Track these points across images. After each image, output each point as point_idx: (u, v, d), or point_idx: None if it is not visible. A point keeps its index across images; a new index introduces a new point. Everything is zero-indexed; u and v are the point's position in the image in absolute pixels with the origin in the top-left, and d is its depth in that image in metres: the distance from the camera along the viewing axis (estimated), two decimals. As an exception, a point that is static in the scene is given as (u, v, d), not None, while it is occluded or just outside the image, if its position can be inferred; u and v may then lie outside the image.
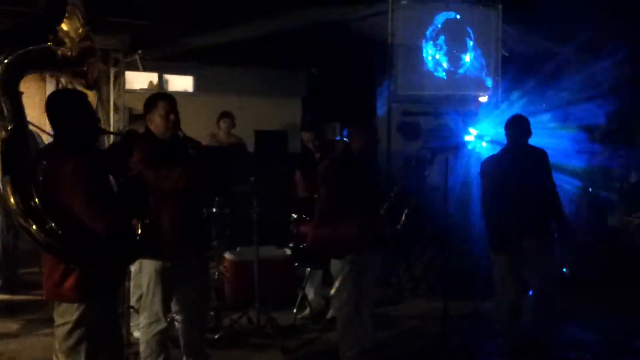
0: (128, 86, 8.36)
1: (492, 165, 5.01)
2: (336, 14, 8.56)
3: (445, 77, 8.03)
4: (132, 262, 3.91)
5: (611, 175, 8.18)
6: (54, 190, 3.08)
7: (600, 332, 5.62)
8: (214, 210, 5.73)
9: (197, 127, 6.88)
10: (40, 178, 3.11)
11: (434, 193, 7.04)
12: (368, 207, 4.61)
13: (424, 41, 7.95)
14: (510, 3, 8.09)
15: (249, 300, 5.72)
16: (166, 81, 10.43)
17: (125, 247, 3.30)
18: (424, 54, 7.96)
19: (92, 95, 3.75)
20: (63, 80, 4.04)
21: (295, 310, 5.95)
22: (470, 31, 8.01)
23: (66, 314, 3.18)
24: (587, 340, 5.43)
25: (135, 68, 7.28)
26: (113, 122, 7.02)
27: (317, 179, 4.85)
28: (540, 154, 5.02)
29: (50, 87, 8.28)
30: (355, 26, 8.89)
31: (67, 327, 3.18)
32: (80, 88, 3.69)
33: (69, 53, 3.47)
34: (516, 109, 6.97)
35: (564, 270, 6.97)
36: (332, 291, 4.71)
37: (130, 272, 4.91)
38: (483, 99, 8.06)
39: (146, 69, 7.66)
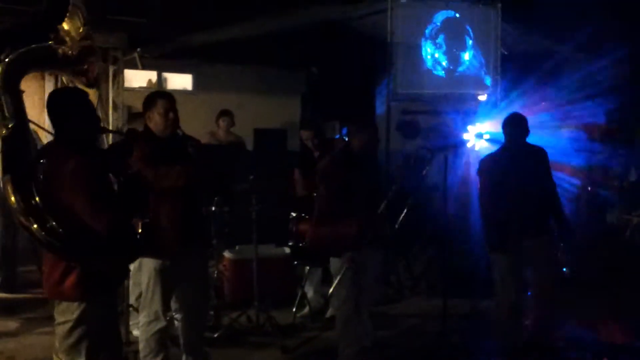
0: (127, 84, 8.36)
1: (490, 164, 5.00)
2: (336, 12, 8.55)
3: (444, 76, 8.02)
4: (132, 260, 3.91)
5: (611, 174, 8.18)
6: (54, 188, 3.08)
7: (601, 332, 5.62)
8: (213, 208, 5.72)
9: (196, 126, 6.87)
10: (41, 177, 3.11)
11: (433, 192, 7.03)
12: (368, 206, 4.60)
13: (423, 40, 7.94)
14: (510, 2, 8.08)
15: (248, 299, 5.72)
16: (165, 79, 10.41)
17: (125, 246, 3.31)
18: (423, 53, 7.95)
19: (92, 94, 3.74)
20: (64, 79, 4.04)
21: (294, 309, 5.96)
22: (470, 30, 8.00)
23: (67, 313, 3.19)
24: (587, 340, 5.42)
25: (134, 66, 7.28)
26: (112, 120, 7.02)
27: (316, 178, 4.85)
28: (539, 153, 5.01)
29: (49, 86, 8.27)
30: (355, 25, 8.88)
31: (68, 325, 3.19)
32: (80, 86, 3.70)
33: (70, 52, 3.48)
34: (515, 107, 6.95)
35: (565, 270, 6.96)
36: (332, 290, 4.71)
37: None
38: (482, 97, 8.05)
39: (145, 67, 7.66)
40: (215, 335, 5.33)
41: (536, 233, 4.86)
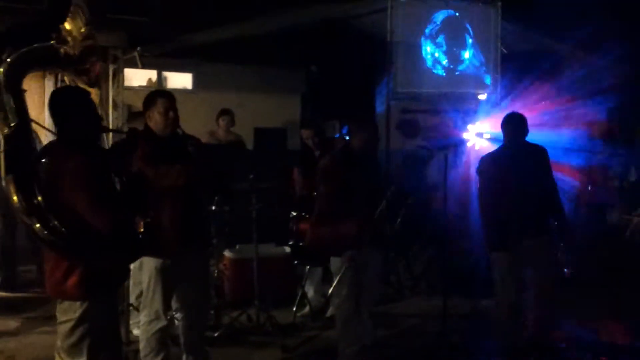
0: (127, 83, 8.34)
1: (489, 164, 4.99)
2: (336, 11, 8.54)
3: (444, 75, 8.02)
4: (135, 259, 3.91)
5: (611, 174, 8.18)
6: (56, 188, 3.09)
7: (600, 332, 5.62)
8: (213, 208, 5.72)
9: (196, 125, 6.87)
10: (43, 176, 3.11)
11: (433, 191, 7.03)
12: (368, 205, 4.60)
13: (423, 39, 7.94)
14: (510, 1, 8.08)
15: (248, 298, 5.72)
16: (165, 78, 10.41)
17: (127, 245, 3.31)
18: (423, 52, 7.94)
19: (94, 93, 3.75)
20: (67, 79, 4.04)
21: (294, 308, 5.96)
22: (470, 28, 8.00)
23: (69, 312, 3.20)
24: (587, 340, 5.42)
25: (134, 65, 7.27)
26: (112, 119, 7.00)
27: (316, 177, 4.85)
28: (539, 152, 4.98)
29: (49, 85, 8.26)
30: (355, 24, 8.87)
31: (70, 324, 3.20)
32: (82, 86, 3.70)
33: (72, 51, 3.48)
34: (515, 106, 6.96)
35: (565, 271, 6.95)
36: (332, 289, 4.71)
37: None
38: (482, 96, 8.06)
39: (145, 66, 7.65)
40: (216, 335, 5.33)
41: (536, 233, 4.86)
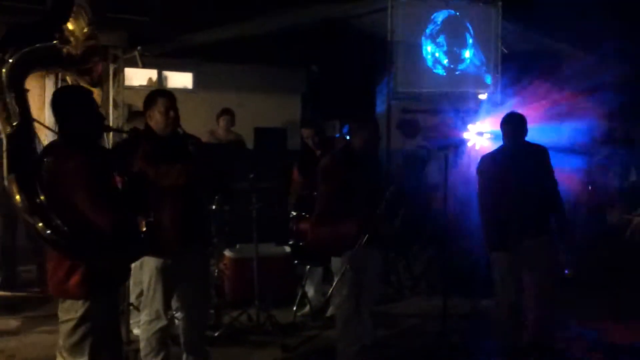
0: (127, 83, 8.33)
1: (489, 163, 4.98)
2: (336, 11, 8.54)
3: (444, 74, 8.01)
4: (137, 258, 3.92)
5: (611, 174, 8.17)
6: (58, 187, 3.10)
7: (600, 332, 5.62)
8: (214, 207, 5.72)
9: (197, 124, 6.87)
10: (45, 175, 3.12)
11: (433, 191, 7.03)
12: (368, 205, 4.59)
13: (423, 38, 7.94)
14: (510, 0, 8.08)
15: (248, 298, 5.72)
16: (165, 78, 10.41)
17: (130, 244, 3.31)
18: (424, 51, 7.94)
19: (96, 93, 3.75)
20: (68, 78, 4.04)
21: (295, 308, 5.96)
22: (470, 28, 8.00)
23: (71, 311, 3.21)
24: (587, 340, 5.42)
25: (134, 65, 7.26)
26: (112, 118, 6.99)
27: (317, 176, 4.84)
28: (539, 152, 4.96)
29: (49, 85, 8.25)
30: (355, 23, 8.87)
31: (72, 323, 3.21)
32: (85, 86, 3.71)
33: (74, 51, 3.49)
34: (516, 106, 6.96)
35: (566, 272, 6.95)
36: (332, 288, 4.70)
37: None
38: (482, 96, 8.05)
39: (145, 65, 7.64)
40: (216, 334, 5.34)
41: (536, 233, 4.85)
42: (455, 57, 7.97)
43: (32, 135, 3.35)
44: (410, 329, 5.95)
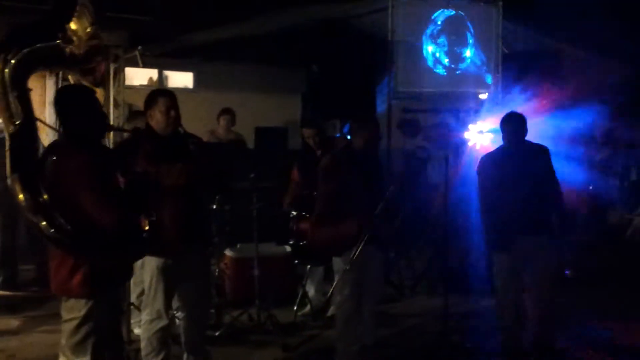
0: (128, 82, 8.32)
1: (488, 163, 4.98)
2: (336, 10, 8.54)
3: (445, 74, 8.02)
4: (139, 257, 3.92)
5: (612, 173, 8.17)
6: (62, 185, 3.11)
7: (601, 332, 5.62)
8: (214, 207, 5.72)
9: (197, 124, 6.86)
10: (48, 174, 3.12)
11: (434, 191, 7.02)
12: (369, 205, 4.59)
13: (424, 38, 7.94)
14: (511, 0, 8.08)
15: (249, 297, 5.72)
16: (166, 77, 10.41)
17: (132, 243, 3.32)
18: (424, 51, 7.94)
19: (99, 93, 3.76)
20: (70, 77, 4.05)
21: (295, 308, 5.96)
22: (471, 28, 8.00)
23: (74, 310, 3.22)
24: (587, 340, 5.42)
25: (135, 64, 7.26)
26: (113, 118, 6.99)
27: (317, 176, 4.84)
28: (540, 151, 4.94)
29: (50, 84, 8.25)
30: (356, 23, 8.88)
31: (75, 322, 3.22)
32: (88, 85, 3.72)
33: (77, 51, 3.50)
34: (516, 106, 6.95)
35: (567, 272, 6.96)
36: (333, 288, 4.70)
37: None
38: (483, 96, 8.05)
39: (146, 65, 7.64)
40: (217, 334, 5.34)
41: (536, 232, 4.84)
42: (455, 57, 7.97)
43: (35, 135, 3.36)
44: (410, 329, 5.94)
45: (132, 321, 5.17)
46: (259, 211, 5.68)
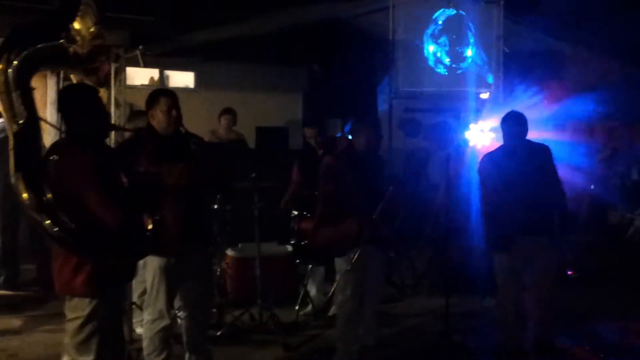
0: (129, 82, 8.33)
1: (489, 163, 4.96)
2: (337, 10, 8.55)
3: (446, 74, 8.02)
4: (143, 257, 3.92)
5: (612, 173, 8.18)
6: (65, 185, 3.11)
7: (601, 332, 5.62)
8: (216, 206, 5.73)
9: (198, 124, 6.87)
10: (52, 173, 3.13)
11: (434, 191, 7.02)
12: (370, 205, 4.59)
13: (425, 38, 7.94)
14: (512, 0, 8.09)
15: (251, 297, 5.72)
16: (167, 77, 10.41)
17: (136, 242, 3.32)
18: (425, 51, 7.94)
19: (102, 92, 3.77)
20: (73, 77, 4.06)
21: (297, 307, 5.96)
22: (472, 27, 8.00)
23: (78, 309, 3.22)
24: (587, 340, 5.42)
25: (136, 64, 7.26)
26: (114, 118, 7.01)
27: (319, 176, 4.84)
28: (541, 150, 4.92)
29: (51, 84, 8.27)
30: (357, 23, 8.89)
31: (79, 321, 3.22)
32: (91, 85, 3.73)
33: (81, 51, 3.50)
34: (517, 105, 6.96)
35: (569, 272, 6.95)
36: (334, 288, 4.71)
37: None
38: (484, 95, 8.05)
39: (147, 64, 7.64)
40: (218, 333, 5.34)
41: (537, 232, 4.83)
42: (456, 57, 7.97)
43: (39, 134, 3.36)
44: (411, 329, 5.94)
45: (134, 320, 5.18)
46: (260, 211, 5.68)
